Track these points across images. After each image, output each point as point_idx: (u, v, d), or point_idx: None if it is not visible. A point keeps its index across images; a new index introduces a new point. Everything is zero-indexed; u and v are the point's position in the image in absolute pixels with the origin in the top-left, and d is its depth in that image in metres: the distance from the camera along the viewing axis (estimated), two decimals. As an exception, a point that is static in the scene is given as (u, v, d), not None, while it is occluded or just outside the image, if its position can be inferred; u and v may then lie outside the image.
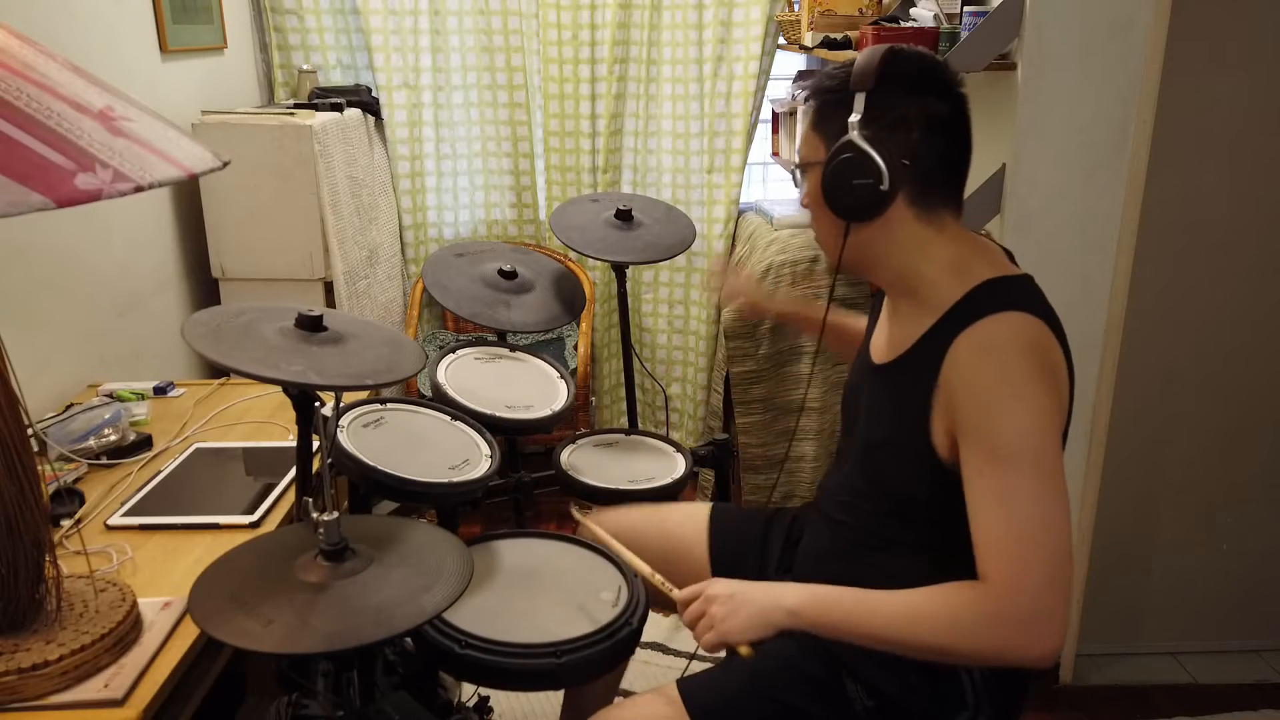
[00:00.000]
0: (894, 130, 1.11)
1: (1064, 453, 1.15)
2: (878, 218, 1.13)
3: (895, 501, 1.19)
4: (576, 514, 1.48)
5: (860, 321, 1.54)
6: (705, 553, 1.49)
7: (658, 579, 1.27)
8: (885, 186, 1.10)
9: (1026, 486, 1.02)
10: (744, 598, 1.13)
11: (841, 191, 1.13)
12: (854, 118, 1.10)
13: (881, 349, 1.24)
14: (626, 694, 2.07)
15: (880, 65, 1.11)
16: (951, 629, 1.02)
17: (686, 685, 1.22)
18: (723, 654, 1.16)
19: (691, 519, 1.53)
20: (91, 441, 1.59)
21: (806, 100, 1.22)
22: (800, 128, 1.26)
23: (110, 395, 1.84)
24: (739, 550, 1.48)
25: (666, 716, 1.18)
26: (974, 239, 1.19)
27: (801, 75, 2.97)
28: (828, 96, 1.16)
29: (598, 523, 1.44)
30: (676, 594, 1.21)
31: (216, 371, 2.08)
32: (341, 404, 1.52)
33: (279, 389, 1.38)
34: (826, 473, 1.39)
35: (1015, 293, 1.12)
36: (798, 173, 1.24)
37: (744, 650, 1.12)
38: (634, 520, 1.53)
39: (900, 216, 1.14)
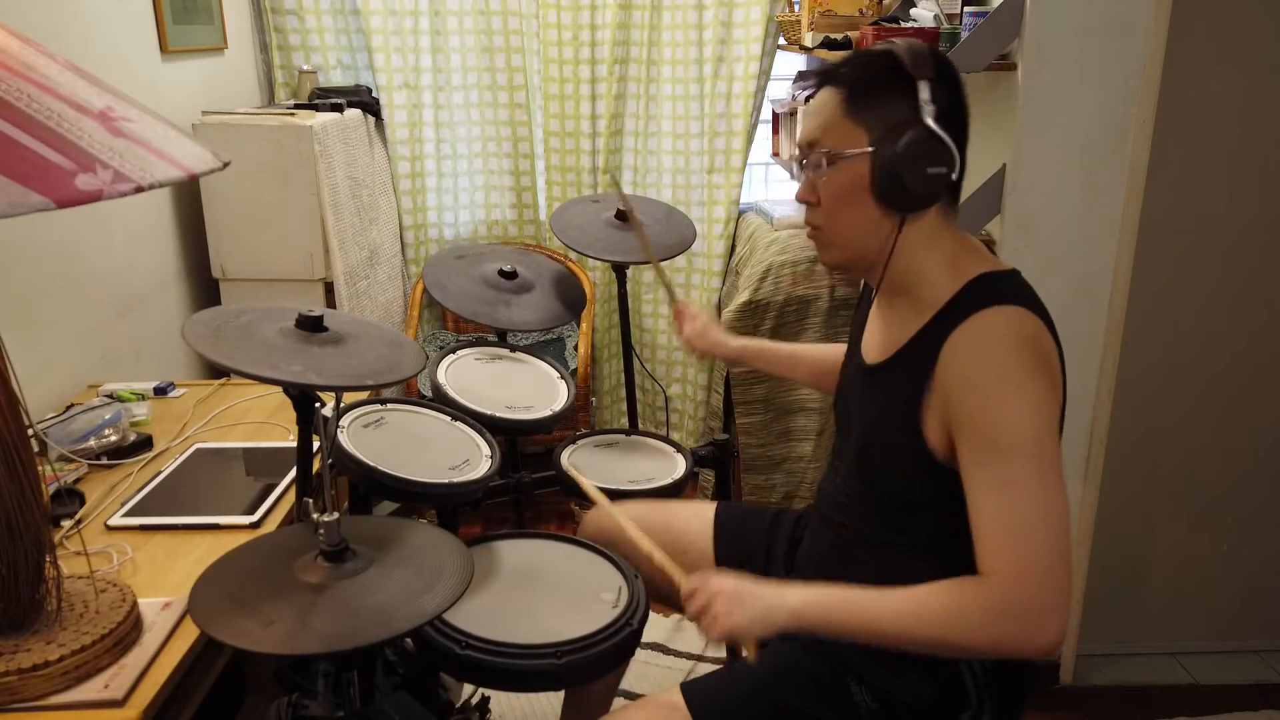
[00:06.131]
0: (947, 121, 1.08)
1: (1063, 452, 1.16)
2: (925, 211, 1.10)
3: (891, 502, 1.19)
4: (582, 505, 1.48)
5: (815, 350, 1.55)
6: (710, 549, 1.49)
7: (668, 561, 1.22)
8: (956, 175, 1.07)
9: (1026, 477, 1.02)
10: (748, 595, 1.12)
11: (908, 181, 1.07)
12: (927, 104, 1.06)
13: (873, 349, 1.23)
14: (627, 694, 2.07)
15: (931, 55, 1.08)
16: (955, 623, 1.02)
17: (690, 688, 1.22)
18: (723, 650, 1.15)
19: (698, 516, 1.53)
20: (92, 442, 1.59)
21: (837, 84, 1.13)
22: (812, 115, 1.15)
23: (110, 395, 1.84)
24: (744, 548, 1.48)
25: None
26: (965, 234, 1.19)
27: (802, 75, 2.97)
28: (874, 82, 1.10)
29: (603, 514, 1.41)
30: (682, 581, 1.17)
31: (217, 372, 2.08)
32: (341, 404, 1.52)
33: (279, 389, 1.38)
34: (823, 476, 1.39)
35: (1007, 288, 1.12)
36: (822, 161, 1.12)
37: (749, 652, 1.12)
38: (639, 515, 1.52)
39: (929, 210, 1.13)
